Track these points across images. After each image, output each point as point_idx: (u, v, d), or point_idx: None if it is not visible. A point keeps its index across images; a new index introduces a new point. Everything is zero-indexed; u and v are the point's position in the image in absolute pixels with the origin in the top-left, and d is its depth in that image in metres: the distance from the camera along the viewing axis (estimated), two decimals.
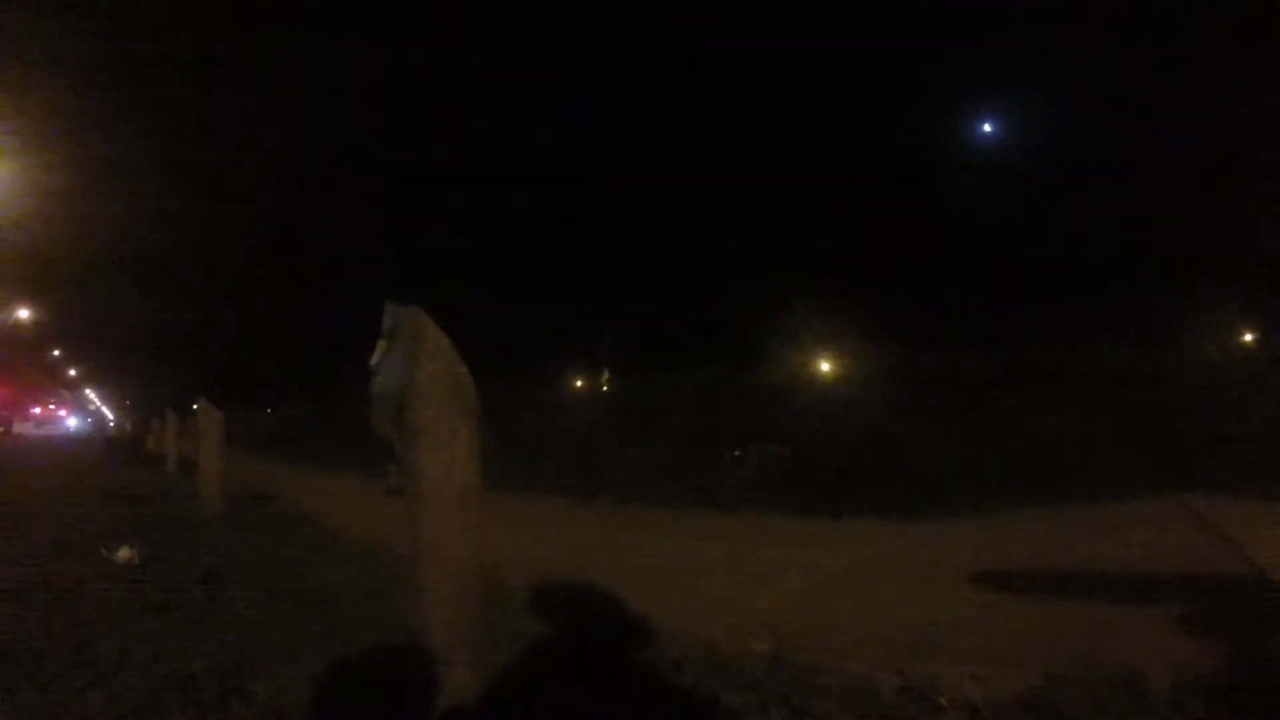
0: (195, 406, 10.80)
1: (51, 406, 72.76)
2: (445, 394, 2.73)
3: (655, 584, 5.18)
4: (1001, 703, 3.15)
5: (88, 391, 79.40)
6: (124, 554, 6.17)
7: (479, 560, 2.92)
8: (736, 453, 11.82)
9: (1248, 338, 19.12)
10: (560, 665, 3.34)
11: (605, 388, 26.19)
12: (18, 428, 52.22)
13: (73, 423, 73.09)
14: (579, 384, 26.53)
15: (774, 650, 3.71)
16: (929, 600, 4.91)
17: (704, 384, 16.46)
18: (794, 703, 3.15)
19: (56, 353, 54.81)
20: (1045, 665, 3.43)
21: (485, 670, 3.01)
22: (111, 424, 71.43)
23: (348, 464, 16.54)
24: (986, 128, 24.11)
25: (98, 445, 32.88)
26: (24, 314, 42.52)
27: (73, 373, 65.57)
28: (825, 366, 22.75)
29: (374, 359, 3.71)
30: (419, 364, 2.74)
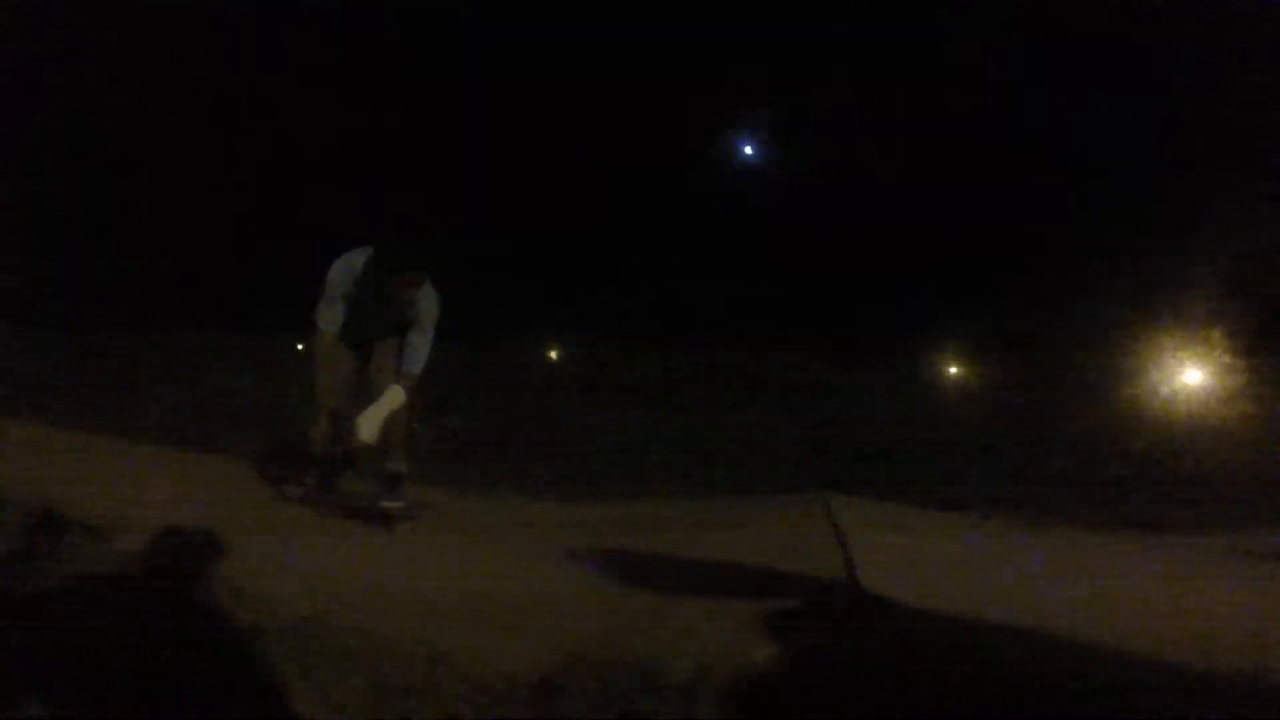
0: None
1: None
2: None
3: None
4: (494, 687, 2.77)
5: None
6: None
7: None
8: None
9: (953, 370, 20.87)
10: None
11: None
12: None
13: None
14: None
15: None
16: (523, 574, 4.52)
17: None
18: None
19: None
20: (566, 649, 3.09)
21: None
22: None
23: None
24: (747, 149, 24.57)
25: None
26: None
27: None
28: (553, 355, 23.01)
29: None
30: None
